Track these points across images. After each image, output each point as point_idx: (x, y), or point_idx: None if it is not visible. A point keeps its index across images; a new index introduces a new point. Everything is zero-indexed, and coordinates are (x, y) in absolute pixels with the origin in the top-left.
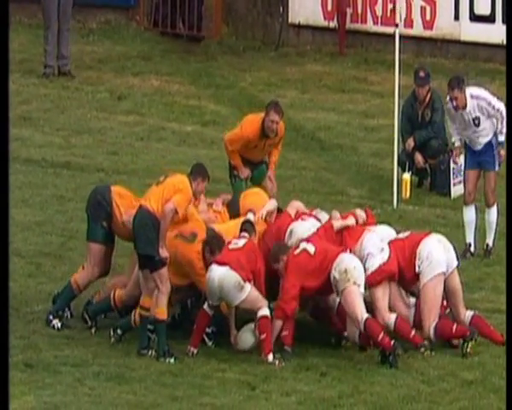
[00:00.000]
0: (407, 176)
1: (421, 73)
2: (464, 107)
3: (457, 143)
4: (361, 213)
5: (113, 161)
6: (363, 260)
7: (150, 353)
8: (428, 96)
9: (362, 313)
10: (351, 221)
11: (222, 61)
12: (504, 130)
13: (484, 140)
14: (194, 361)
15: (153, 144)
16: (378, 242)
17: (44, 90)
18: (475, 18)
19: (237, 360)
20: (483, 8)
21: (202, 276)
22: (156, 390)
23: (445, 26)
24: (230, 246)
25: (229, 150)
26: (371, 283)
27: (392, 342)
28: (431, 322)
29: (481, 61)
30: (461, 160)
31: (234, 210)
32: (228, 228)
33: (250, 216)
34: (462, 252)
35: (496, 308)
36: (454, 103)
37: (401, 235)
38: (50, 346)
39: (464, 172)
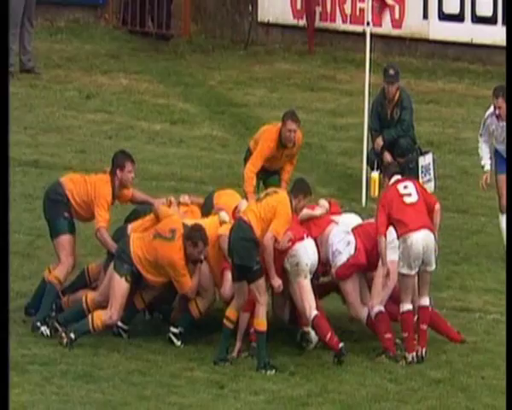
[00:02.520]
0: (376, 175)
1: (391, 71)
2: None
3: (487, 168)
4: (324, 203)
5: (81, 159)
6: (330, 257)
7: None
8: (397, 94)
9: (311, 310)
10: (319, 211)
11: (191, 59)
12: None
13: None
14: (162, 360)
15: (121, 143)
16: (344, 235)
17: (12, 89)
18: (444, 17)
19: (206, 359)
20: (452, 6)
21: (184, 276)
22: (124, 389)
23: (413, 24)
24: None
25: (249, 176)
26: (340, 277)
27: (340, 345)
28: (377, 302)
29: (450, 60)
30: (427, 159)
31: (207, 209)
32: (203, 224)
33: (224, 216)
34: None
35: (464, 307)
36: (497, 112)
37: (370, 220)
38: (18, 344)
39: (496, 179)
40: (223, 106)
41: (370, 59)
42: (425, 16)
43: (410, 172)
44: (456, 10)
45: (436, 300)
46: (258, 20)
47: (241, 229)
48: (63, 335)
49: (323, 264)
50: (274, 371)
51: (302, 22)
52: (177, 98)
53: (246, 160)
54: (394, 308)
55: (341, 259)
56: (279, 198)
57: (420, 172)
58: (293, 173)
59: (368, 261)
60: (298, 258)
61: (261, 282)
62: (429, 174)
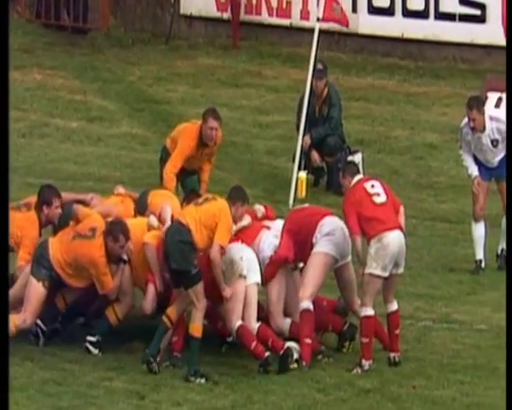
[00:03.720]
0: (303, 175)
1: (319, 66)
2: (483, 129)
3: (475, 174)
4: (260, 207)
5: None
6: (261, 264)
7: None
8: (326, 90)
9: (236, 320)
10: (246, 221)
11: (109, 54)
12: None
13: (499, 158)
14: (79, 369)
15: (35, 141)
16: (273, 239)
17: None
18: (374, 10)
19: (125, 368)
20: (382, 0)
21: (106, 275)
22: (39, 400)
23: None
24: None
25: (169, 177)
26: (267, 277)
27: (266, 354)
28: (308, 294)
29: (380, 55)
30: (356, 159)
31: (141, 206)
32: (132, 223)
33: (153, 221)
34: (474, 269)
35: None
36: (471, 124)
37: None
38: None
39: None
40: (143, 103)
41: (296, 54)
42: (354, 10)
43: (339, 173)
44: (386, 4)
45: None
46: (181, 12)
47: (178, 232)
48: None
49: None
50: (204, 379)
51: (226, 15)
52: (95, 95)
53: (162, 159)
54: (324, 318)
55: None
56: (220, 206)
57: None
58: (218, 174)
59: (296, 248)
60: (231, 255)
61: (199, 287)
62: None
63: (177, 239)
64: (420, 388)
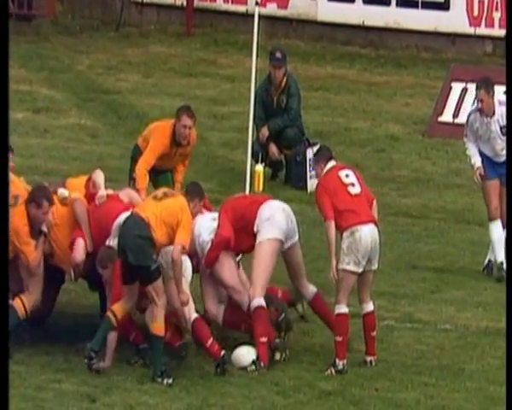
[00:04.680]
0: (260, 168)
1: (278, 54)
2: (492, 114)
3: (478, 164)
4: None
5: None
6: (198, 249)
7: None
8: (284, 79)
9: (190, 312)
10: None
11: (56, 42)
12: None
13: (505, 152)
14: (26, 371)
15: None
16: (213, 223)
17: None
18: None
19: (75, 370)
20: None
21: (28, 245)
22: None
23: (300, 5)
24: None
25: (142, 173)
26: (210, 263)
27: (222, 353)
28: (259, 290)
29: (339, 43)
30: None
31: None
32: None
33: (63, 192)
34: (497, 273)
35: (355, 313)
36: (479, 105)
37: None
38: None
39: (484, 185)
40: (92, 93)
41: (258, 42)
42: None
43: (298, 166)
44: None
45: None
46: None
47: (136, 226)
48: None
49: (192, 257)
50: (171, 379)
51: (180, 1)
52: (41, 84)
53: (133, 159)
54: (236, 316)
55: (208, 247)
56: (181, 204)
57: (308, 165)
58: None
59: (235, 237)
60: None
61: (159, 283)
62: None
63: (136, 234)
64: (383, 390)
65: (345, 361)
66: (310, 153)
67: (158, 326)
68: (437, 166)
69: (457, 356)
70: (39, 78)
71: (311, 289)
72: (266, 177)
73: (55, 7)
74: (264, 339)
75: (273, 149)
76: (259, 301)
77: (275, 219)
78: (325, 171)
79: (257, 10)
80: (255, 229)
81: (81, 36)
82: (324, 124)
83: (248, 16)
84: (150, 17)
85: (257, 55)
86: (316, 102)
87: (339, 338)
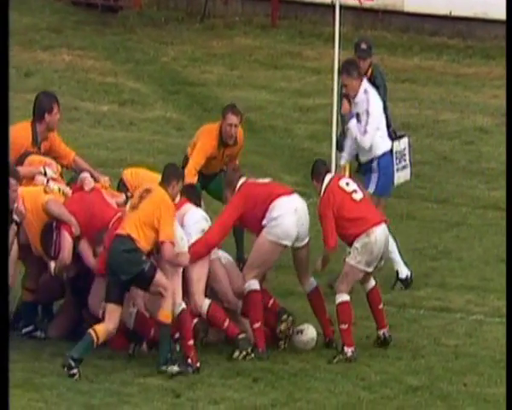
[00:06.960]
0: None
1: (363, 45)
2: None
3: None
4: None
5: None
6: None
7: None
8: (370, 71)
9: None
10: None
11: (141, 33)
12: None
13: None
14: (111, 366)
15: (64, 125)
16: (203, 223)
17: None
18: None
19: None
20: None
21: None
22: (70, 398)
23: None
24: None
25: (192, 174)
26: (194, 258)
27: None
28: (253, 275)
29: (427, 34)
30: (402, 144)
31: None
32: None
33: (41, 179)
34: None
35: (444, 307)
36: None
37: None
38: None
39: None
40: (177, 85)
41: (340, 33)
42: None
43: None
44: None
45: (413, 299)
46: None
47: (121, 243)
48: None
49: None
50: (177, 366)
51: None
52: (127, 77)
53: (183, 167)
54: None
55: (191, 241)
56: (156, 199)
57: (394, 158)
58: (257, 160)
59: (247, 218)
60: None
61: (158, 278)
62: (404, 160)
63: (121, 249)
64: (471, 385)
65: (353, 348)
66: (396, 146)
67: (165, 314)
68: None
69: None
70: (125, 70)
71: (311, 281)
72: (352, 170)
73: None
74: (257, 325)
75: None
76: (253, 283)
77: (283, 222)
78: (325, 185)
79: (338, 2)
80: (263, 222)
81: (166, 27)
82: (412, 116)
83: (334, 7)
84: (235, 8)
85: (340, 47)
86: (403, 94)
87: (344, 326)
